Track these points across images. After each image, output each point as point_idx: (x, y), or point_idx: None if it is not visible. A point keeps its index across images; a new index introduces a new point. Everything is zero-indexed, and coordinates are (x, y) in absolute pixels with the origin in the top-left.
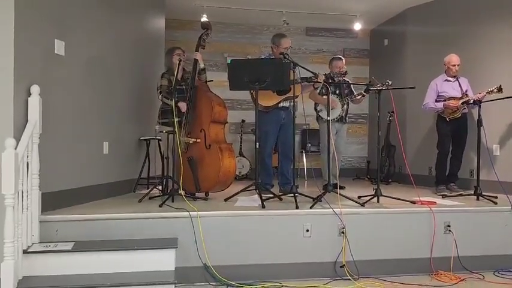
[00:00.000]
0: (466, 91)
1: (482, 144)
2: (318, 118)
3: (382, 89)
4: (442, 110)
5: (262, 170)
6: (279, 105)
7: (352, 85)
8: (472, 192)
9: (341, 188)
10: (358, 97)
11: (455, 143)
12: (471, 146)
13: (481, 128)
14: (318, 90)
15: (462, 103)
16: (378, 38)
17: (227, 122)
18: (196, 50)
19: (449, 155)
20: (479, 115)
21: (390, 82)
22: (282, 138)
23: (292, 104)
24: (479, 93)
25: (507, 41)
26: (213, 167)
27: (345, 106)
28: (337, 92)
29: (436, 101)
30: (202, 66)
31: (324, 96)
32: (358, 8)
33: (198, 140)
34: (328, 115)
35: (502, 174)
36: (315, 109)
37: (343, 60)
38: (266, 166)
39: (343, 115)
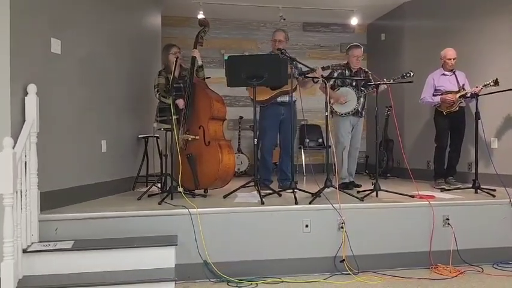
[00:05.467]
0: (463, 85)
1: (479, 138)
2: (332, 112)
3: (379, 83)
4: (440, 104)
5: (262, 165)
6: (278, 100)
7: (370, 75)
8: (471, 185)
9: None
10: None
11: (453, 137)
12: (469, 139)
13: (479, 121)
14: (332, 82)
15: (459, 97)
16: (375, 32)
17: (226, 119)
18: (194, 47)
19: (448, 149)
20: (476, 108)
21: (412, 73)
22: (283, 133)
23: (292, 99)
24: (476, 87)
25: (504, 35)
26: (213, 163)
27: (361, 99)
28: (354, 83)
29: (434, 95)
30: (200, 63)
31: (336, 90)
32: (354, 3)
33: (197, 137)
34: (326, 110)
35: (499, 167)
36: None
37: (362, 48)
38: (265, 161)
39: (359, 109)
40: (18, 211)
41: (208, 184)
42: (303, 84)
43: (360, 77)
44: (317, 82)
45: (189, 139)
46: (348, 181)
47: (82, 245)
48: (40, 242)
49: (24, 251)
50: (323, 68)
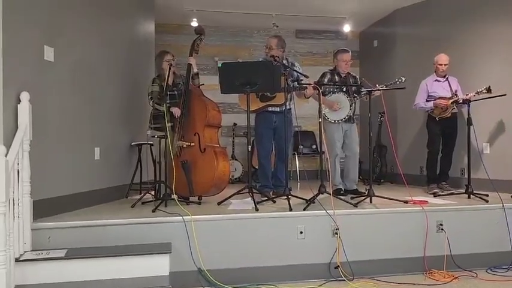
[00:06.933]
0: (456, 91)
1: (472, 143)
2: (324, 119)
3: (372, 89)
4: (432, 110)
5: (260, 172)
6: (269, 109)
7: (359, 80)
8: (464, 190)
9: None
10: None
11: (445, 142)
12: (461, 144)
13: (471, 126)
14: (322, 89)
15: (452, 103)
16: (368, 39)
17: (221, 126)
18: (190, 55)
19: (440, 154)
20: (468, 114)
21: (404, 79)
22: (276, 141)
23: (287, 107)
24: (466, 95)
25: (494, 40)
26: (208, 170)
27: (353, 105)
28: (344, 89)
29: (427, 100)
30: (195, 70)
31: (328, 96)
32: (347, 10)
33: (192, 144)
34: (319, 116)
35: (492, 172)
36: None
37: (350, 53)
38: (263, 168)
39: (351, 115)
40: (10, 220)
41: (203, 191)
42: (299, 95)
43: (349, 81)
44: (308, 98)
45: (184, 146)
46: (342, 187)
47: (75, 254)
48: (33, 250)
49: (17, 260)
50: (315, 83)
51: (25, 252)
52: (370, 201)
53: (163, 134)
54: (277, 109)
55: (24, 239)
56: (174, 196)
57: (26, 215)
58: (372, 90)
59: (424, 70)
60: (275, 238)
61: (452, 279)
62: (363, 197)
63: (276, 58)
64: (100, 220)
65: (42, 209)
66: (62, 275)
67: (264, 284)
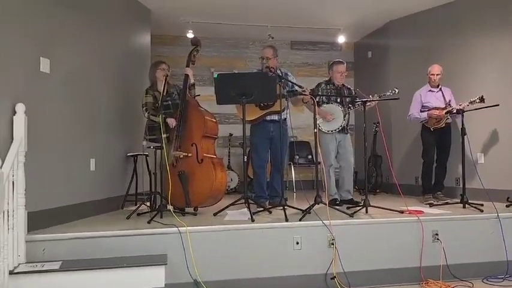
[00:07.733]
0: (449, 101)
1: (466, 153)
2: (318, 129)
3: (367, 100)
4: (426, 120)
5: (255, 182)
6: (267, 118)
7: (354, 92)
8: (459, 200)
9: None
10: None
11: (440, 153)
12: (456, 154)
13: (465, 136)
14: (317, 99)
15: (446, 113)
16: (362, 50)
17: (217, 137)
18: (187, 66)
19: (435, 164)
20: (462, 124)
21: (397, 90)
22: (273, 151)
23: (283, 117)
24: (460, 105)
25: (485, 50)
26: (206, 181)
27: (347, 116)
28: (339, 100)
29: (421, 111)
30: (192, 81)
31: (322, 106)
32: (341, 22)
33: (190, 155)
34: (315, 127)
35: (486, 182)
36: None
37: (345, 64)
38: (257, 178)
39: (345, 125)
40: (4, 231)
41: (200, 202)
42: (295, 103)
43: (344, 93)
44: (306, 102)
45: (181, 156)
46: (337, 197)
47: (70, 266)
48: (27, 263)
49: (11, 273)
50: (312, 90)
51: (19, 264)
52: (366, 212)
53: (159, 144)
54: (276, 117)
55: (19, 251)
56: (170, 207)
57: (21, 227)
58: (366, 100)
59: (418, 81)
60: (271, 249)
61: None
62: (359, 207)
63: (272, 69)
64: (95, 232)
65: (37, 220)
66: (56, 287)
67: None
